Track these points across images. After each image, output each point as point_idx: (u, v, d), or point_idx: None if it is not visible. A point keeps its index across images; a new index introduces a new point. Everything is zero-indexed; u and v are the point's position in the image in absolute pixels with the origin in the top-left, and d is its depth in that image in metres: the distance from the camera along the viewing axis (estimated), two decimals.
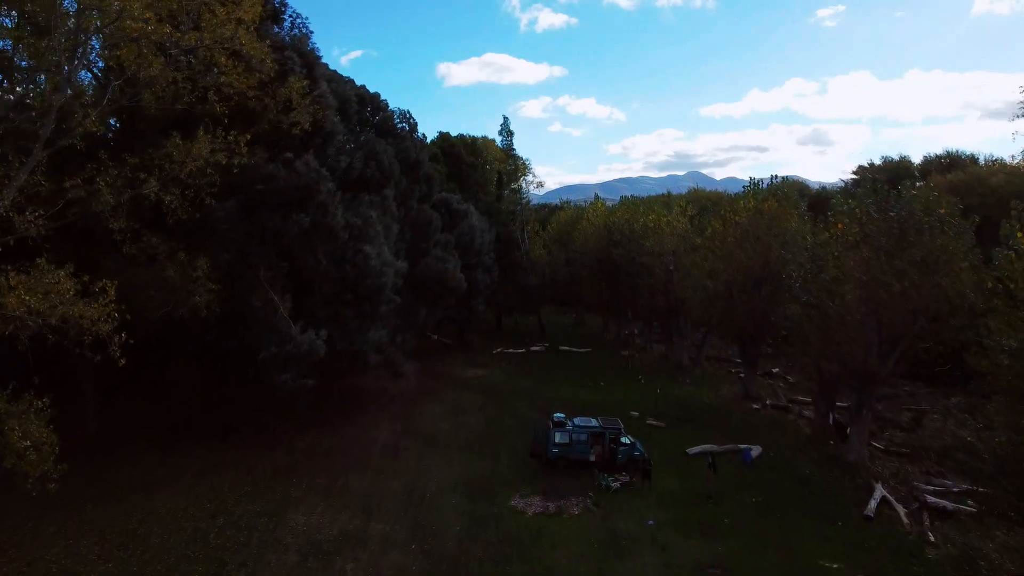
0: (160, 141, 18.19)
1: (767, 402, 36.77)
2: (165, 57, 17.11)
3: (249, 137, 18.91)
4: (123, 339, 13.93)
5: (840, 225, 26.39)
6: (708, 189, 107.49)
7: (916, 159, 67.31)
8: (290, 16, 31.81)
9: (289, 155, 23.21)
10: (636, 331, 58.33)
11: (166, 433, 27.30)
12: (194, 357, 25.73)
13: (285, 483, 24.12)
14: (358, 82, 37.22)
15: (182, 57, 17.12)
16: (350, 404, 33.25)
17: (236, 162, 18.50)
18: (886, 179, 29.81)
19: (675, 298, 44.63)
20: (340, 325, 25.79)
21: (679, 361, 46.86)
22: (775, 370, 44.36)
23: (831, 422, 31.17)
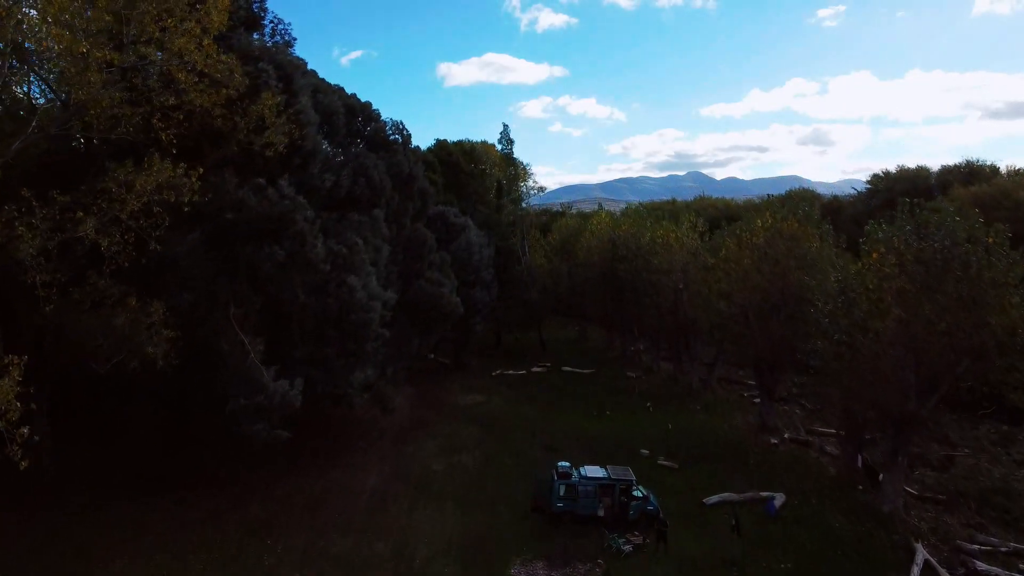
0: (103, 174, 15.63)
1: (785, 435, 34.22)
2: (107, 74, 14.60)
3: (202, 171, 16.33)
4: (28, 435, 11.48)
5: (875, 254, 23.86)
6: (709, 191, 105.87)
7: (917, 158, 65.32)
8: (271, 22, 29.32)
9: (261, 180, 20.64)
10: (642, 348, 55.71)
11: (127, 482, 24.61)
12: (153, 405, 23.12)
13: (259, 544, 21.59)
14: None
15: (123, 76, 14.57)
16: (335, 442, 30.65)
17: (186, 199, 15.94)
18: (903, 190, 27.44)
19: (685, 317, 42.17)
20: (321, 365, 23.23)
21: (689, 383, 44.30)
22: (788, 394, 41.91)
23: (860, 464, 28.66)
